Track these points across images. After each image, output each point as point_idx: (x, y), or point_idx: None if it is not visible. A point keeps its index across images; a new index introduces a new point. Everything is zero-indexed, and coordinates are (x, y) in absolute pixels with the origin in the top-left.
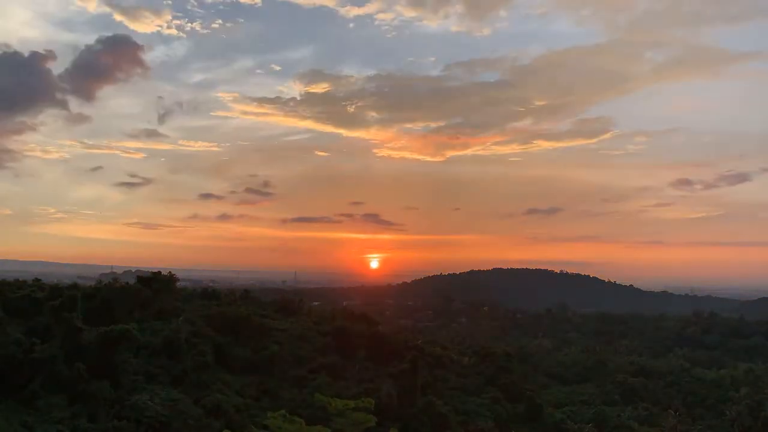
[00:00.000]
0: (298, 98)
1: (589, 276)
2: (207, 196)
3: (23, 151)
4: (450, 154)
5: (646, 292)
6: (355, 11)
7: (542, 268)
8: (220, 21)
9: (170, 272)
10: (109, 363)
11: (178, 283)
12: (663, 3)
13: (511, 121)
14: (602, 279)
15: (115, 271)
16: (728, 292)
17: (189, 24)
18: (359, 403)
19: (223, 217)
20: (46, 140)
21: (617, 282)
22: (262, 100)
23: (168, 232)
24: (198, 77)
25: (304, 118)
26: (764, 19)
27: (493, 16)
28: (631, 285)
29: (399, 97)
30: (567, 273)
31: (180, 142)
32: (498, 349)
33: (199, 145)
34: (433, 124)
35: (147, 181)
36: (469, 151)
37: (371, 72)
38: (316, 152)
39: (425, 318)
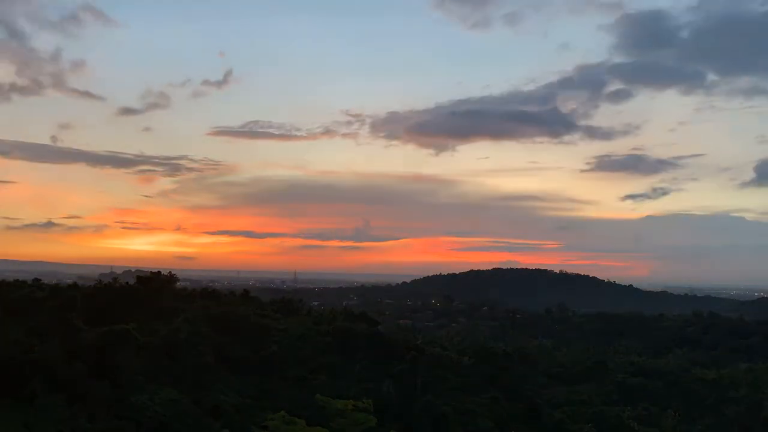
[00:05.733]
0: None
1: (588, 276)
2: None
3: None
4: None
5: (645, 292)
6: None
7: (542, 268)
8: None
9: (170, 272)
10: (109, 363)
11: (178, 283)
12: None
13: None
14: (602, 279)
15: (114, 271)
16: (727, 292)
17: None
18: (358, 403)
19: None
20: None
21: (617, 282)
22: None
23: None
24: None
25: None
26: None
27: None
28: (631, 285)
29: None
30: (567, 273)
31: None
32: (498, 349)
33: None
34: None
35: None
36: None
37: None
38: None
39: (425, 318)
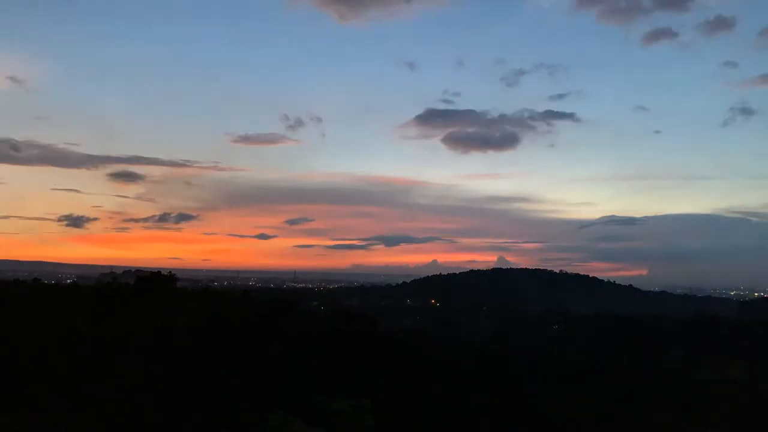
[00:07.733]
0: None
1: (588, 276)
2: None
3: None
4: None
5: (645, 292)
6: None
7: (542, 268)
8: None
9: (170, 272)
10: (109, 363)
11: (177, 283)
12: None
13: None
14: (602, 279)
15: (114, 271)
16: (727, 292)
17: None
18: (358, 403)
19: None
20: None
21: (617, 282)
22: None
23: None
24: None
25: None
26: None
27: None
28: (631, 285)
29: None
30: (567, 273)
31: None
32: (498, 349)
33: None
34: None
35: None
36: None
37: None
38: None
39: (425, 318)
